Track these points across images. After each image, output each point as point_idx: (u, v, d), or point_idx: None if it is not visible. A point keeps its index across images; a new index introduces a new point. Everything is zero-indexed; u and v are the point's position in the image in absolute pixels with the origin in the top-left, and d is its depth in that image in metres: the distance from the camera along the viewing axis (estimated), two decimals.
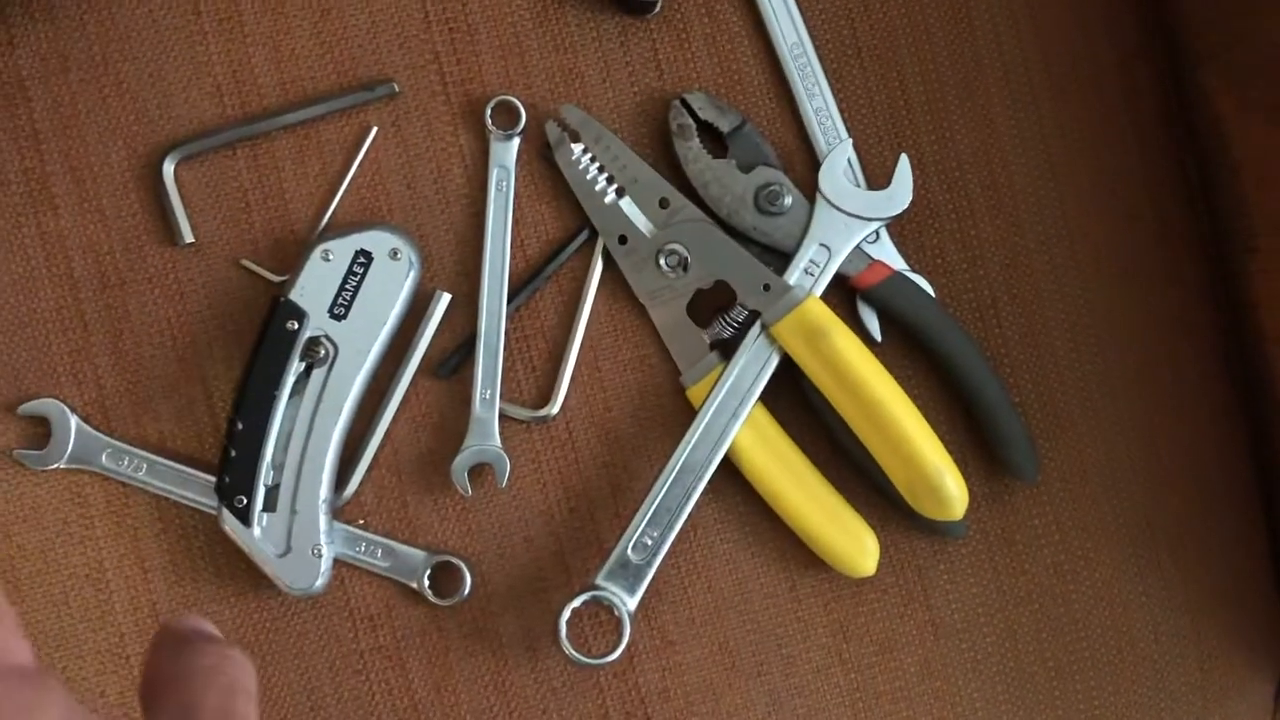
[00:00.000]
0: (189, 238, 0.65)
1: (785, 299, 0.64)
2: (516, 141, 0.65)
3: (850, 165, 0.66)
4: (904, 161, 0.65)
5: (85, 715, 0.36)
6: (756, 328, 0.64)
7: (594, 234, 0.66)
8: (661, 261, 0.65)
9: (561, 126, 0.65)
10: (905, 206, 0.65)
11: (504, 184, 0.65)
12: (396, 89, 0.65)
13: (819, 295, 0.64)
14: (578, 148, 0.65)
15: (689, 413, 0.65)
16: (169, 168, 0.64)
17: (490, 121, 0.65)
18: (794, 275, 0.64)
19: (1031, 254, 0.67)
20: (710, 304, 0.65)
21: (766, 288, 0.64)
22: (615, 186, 0.65)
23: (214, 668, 0.40)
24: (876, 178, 0.66)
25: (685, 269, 0.65)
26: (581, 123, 0.65)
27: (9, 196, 0.65)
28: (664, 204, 0.65)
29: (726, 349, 0.65)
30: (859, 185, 0.65)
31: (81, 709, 0.36)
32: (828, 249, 0.65)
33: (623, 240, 0.65)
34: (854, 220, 0.65)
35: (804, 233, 0.65)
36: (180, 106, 0.65)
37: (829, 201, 0.65)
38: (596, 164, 0.65)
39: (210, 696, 0.39)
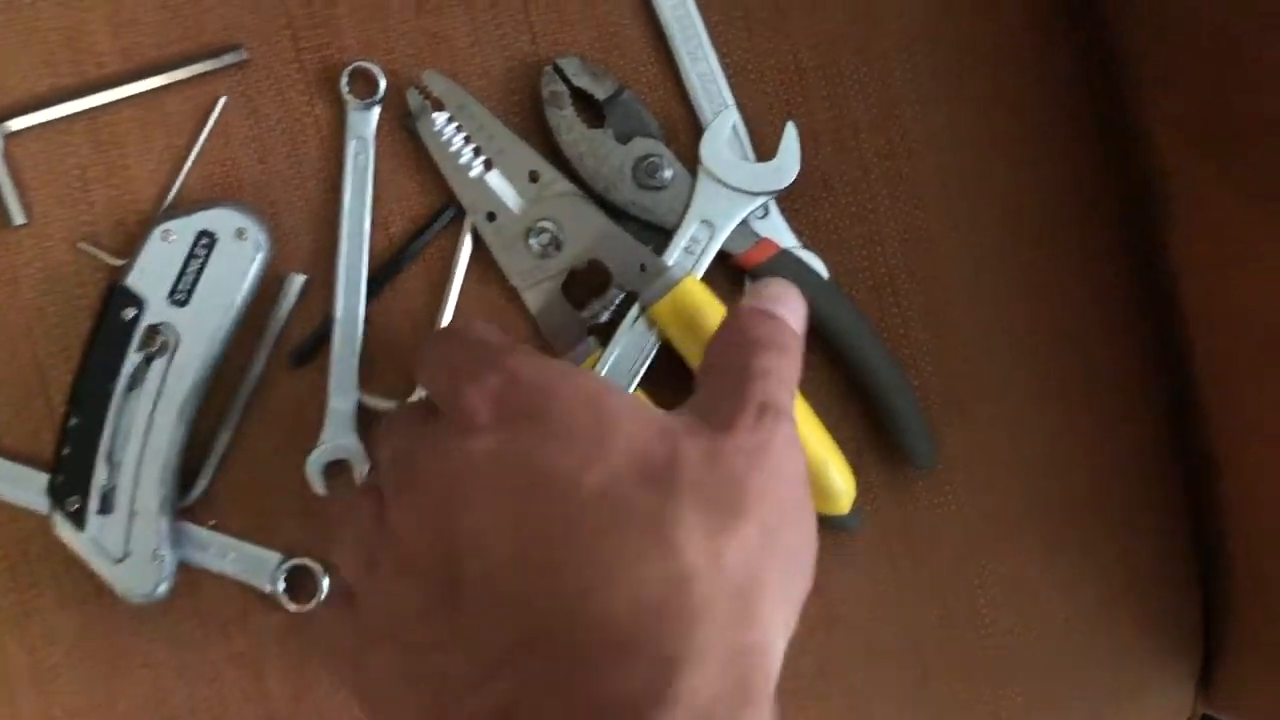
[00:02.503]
0: (20, 219, 0.60)
1: (662, 280, 0.59)
2: (376, 111, 0.60)
3: (736, 135, 0.61)
4: (790, 130, 0.60)
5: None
6: (635, 310, 0.60)
7: (461, 211, 0.61)
8: (532, 241, 0.60)
9: (423, 94, 0.60)
10: (792, 179, 0.60)
11: (362, 157, 0.61)
12: (246, 55, 0.60)
13: (700, 276, 0.60)
14: (440, 117, 0.60)
15: None
16: None
17: (346, 90, 0.60)
18: (674, 254, 0.60)
19: (933, 227, 0.63)
20: (586, 284, 0.61)
21: (643, 268, 0.60)
22: (483, 159, 0.60)
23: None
24: (766, 149, 0.61)
25: (558, 248, 0.61)
26: (445, 90, 0.60)
27: None
28: (534, 177, 0.61)
29: (606, 333, 0.61)
30: (746, 157, 0.61)
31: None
32: (710, 225, 0.60)
33: (491, 217, 0.61)
34: (738, 194, 0.60)
35: (685, 208, 0.60)
36: (10, 77, 0.60)
37: (711, 174, 0.60)
38: (462, 134, 0.60)
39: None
